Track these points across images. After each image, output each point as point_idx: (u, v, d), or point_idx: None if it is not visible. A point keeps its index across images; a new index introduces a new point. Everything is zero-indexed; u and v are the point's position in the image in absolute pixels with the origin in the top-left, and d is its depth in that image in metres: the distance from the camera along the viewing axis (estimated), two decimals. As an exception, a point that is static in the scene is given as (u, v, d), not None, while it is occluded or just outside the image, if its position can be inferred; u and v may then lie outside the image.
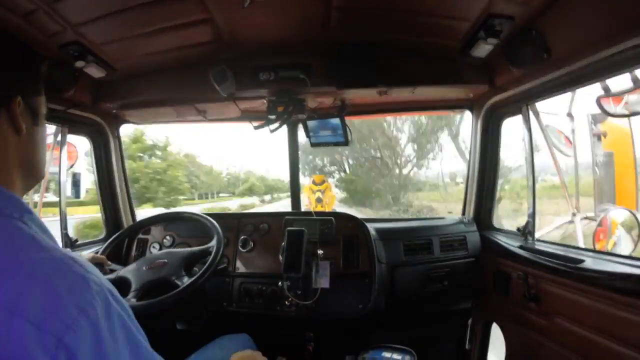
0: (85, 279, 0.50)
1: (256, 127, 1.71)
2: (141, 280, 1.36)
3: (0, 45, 0.60)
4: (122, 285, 1.35)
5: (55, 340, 0.44)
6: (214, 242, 1.48)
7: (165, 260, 1.43)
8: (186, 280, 1.37)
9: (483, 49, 1.32)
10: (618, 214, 2.23)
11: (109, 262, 1.49)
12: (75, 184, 1.93)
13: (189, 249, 1.51)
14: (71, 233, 1.75)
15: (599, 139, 2.50)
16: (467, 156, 2.02)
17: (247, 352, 1.10)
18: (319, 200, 11.33)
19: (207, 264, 1.40)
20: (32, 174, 0.64)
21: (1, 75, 0.58)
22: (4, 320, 0.43)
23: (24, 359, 0.43)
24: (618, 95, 1.25)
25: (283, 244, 1.63)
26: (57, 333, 0.44)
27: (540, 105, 1.61)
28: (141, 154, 14.85)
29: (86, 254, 1.51)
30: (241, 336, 1.35)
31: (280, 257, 1.62)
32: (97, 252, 1.53)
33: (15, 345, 0.43)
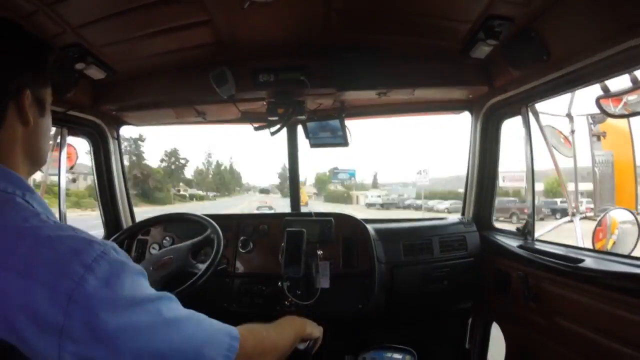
0: (87, 240, 0.52)
1: (256, 129, 1.71)
2: (152, 280, 1.36)
3: (10, 35, 0.60)
4: None
5: (66, 297, 0.46)
6: (209, 231, 1.48)
7: (171, 256, 1.43)
8: (202, 266, 1.37)
9: (482, 50, 1.32)
10: (618, 214, 2.23)
11: None
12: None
13: (189, 241, 1.51)
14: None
15: (598, 139, 2.50)
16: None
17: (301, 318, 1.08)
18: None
19: (215, 247, 1.41)
20: (36, 161, 0.66)
21: (11, 66, 0.59)
22: (17, 283, 0.46)
23: (39, 316, 0.46)
24: (617, 96, 1.25)
25: (283, 244, 1.63)
26: (67, 290, 0.47)
27: (540, 106, 1.62)
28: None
29: None
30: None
31: (280, 258, 1.62)
32: None
33: (29, 305, 0.46)
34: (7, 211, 0.53)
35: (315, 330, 1.07)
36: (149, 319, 0.52)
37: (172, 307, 0.57)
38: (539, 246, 1.54)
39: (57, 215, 1.71)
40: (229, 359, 0.61)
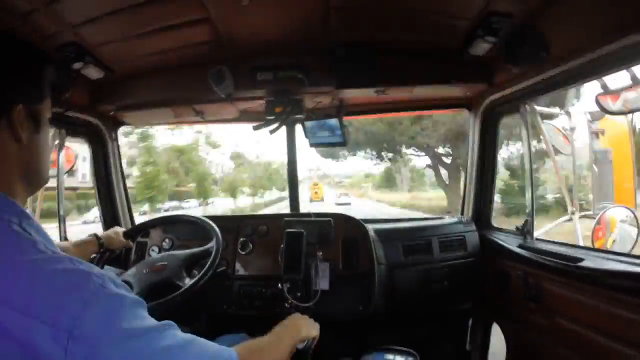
0: (85, 273, 0.51)
1: (255, 128, 1.70)
2: (142, 283, 1.35)
3: (1, 48, 0.58)
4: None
5: (66, 335, 0.46)
6: (213, 243, 1.47)
7: (165, 263, 1.42)
8: (188, 282, 1.36)
9: (481, 47, 1.32)
10: (617, 212, 2.23)
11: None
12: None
13: (188, 251, 1.50)
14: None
15: (597, 136, 2.50)
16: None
17: (297, 316, 1.10)
18: (316, 192, 23.49)
19: (207, 264, 1.39)
20: (34, 181, 0.64)
21: (1, 81, 0.57)
22: (17, 321, 0.46)
23: (40, 355, 0.46)
24: (616, 93, 1.25)
25: (282, 245, 1.62)
26: (67, 327, 0.46)
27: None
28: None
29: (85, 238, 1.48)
30: (239, 336, 1.34)
31: (280, 259, 1.62)
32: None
33: (31, 343, 0.46)
34: (3, 242, 0.52)
35: (312, 330, 1.08)
36: (149, 350, 0.52)
37: (171, 335, 0.56)
38: (538, 245, 1.53)
39: (57, 216, 1.75)
40: None
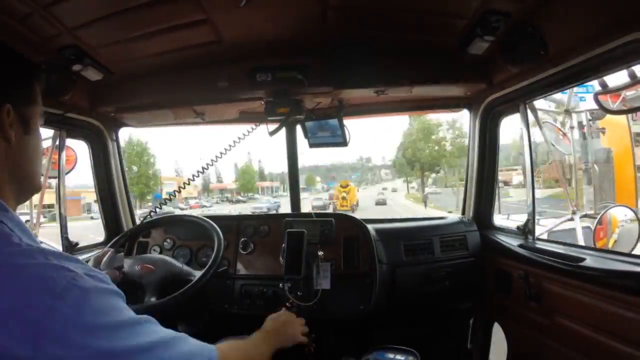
0: (57, 267, 0.50)
1: (271, 133, 1.70)
2: (130, 276, 1.37)
3: None
4: (136, 285, 1.37)
5: (34, 330, 0.45)
6: (198, 273, 1.42)
7: (153, 268, 1.42)
8: (153, 300, 1.33)
9: (480, 46, 1.32)
10: (618, 212, 2.22)
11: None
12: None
13: (179, 267, 1.48)
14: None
15: (598, 135, 2.50)
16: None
17: (283, 314, 1.09)
18: (343, 198, 17.76)
19: (209, 263, 1.40)
20: (25, 186, 0.63)
21: None
22: None
23: (12, 352, 0.44)
24: (616, 92, 1.25)
25: (283, 245, 1.62)
26: (38, 323, 0.45)
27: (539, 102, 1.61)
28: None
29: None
30: (243, 337, 1.35)
31: (281, 259, 1.62)
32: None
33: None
34: None
35: (297, 330, 1.06)
36: (124, 344, 0.51)
37: (150, 330, 0.55)
38: (539, 245, 1.53)
39: (57, 215, 1.75)
40: None
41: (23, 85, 0.63)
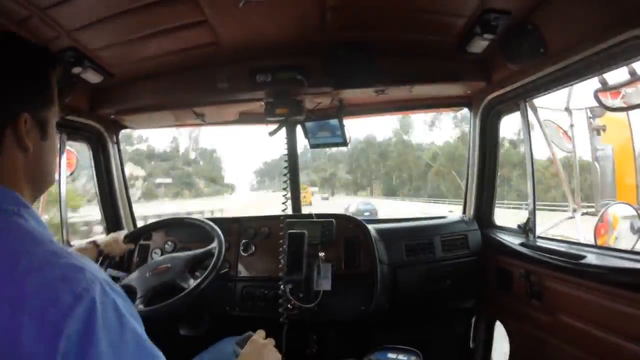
0: (79, 267, 0.50)
1: (271, 134, 1.70)
2: (146, 286, 1.36)
3: (2, 52, 0.55)
4: (127, 293, 1.35)
5: (55, 330, 0.44)
6: (215, 244, 1.48)
7: (169, 265, 1.43)
8: (192, 283, 1.37)
9: (479, 45, 1.32)
10: (619, 209, 2.22)
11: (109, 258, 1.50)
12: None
13: (190, 252, 1.51)
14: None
15: (598, 133, 2.49)
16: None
17: (258, 344, 0.99)
18: (304, 197, 18.25)
19: (210, 265, 1.40)
20: (41, 186, 0.63)
21: (4, 90, 0.54)
22: (7, 314, 0.44)
23: (27, 350, 0.43)
24: (616, 89, 1.25)
25: (284, 247, 1.62)
26: (56, 323, 0.45)
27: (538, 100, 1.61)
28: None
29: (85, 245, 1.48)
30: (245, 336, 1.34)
31: (282, 260, 1.62)
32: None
33: (18, 338, 0.43)
34: (2, 232, 0.51)
35: None
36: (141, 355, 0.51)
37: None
38: (540, 243, 1.53)
39: (58, 218, 1.75)
40: None
41: (41, 87, 0.59)
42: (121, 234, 1.57)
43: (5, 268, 0.47)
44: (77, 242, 1.68)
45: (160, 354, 0.55)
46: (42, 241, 0.51)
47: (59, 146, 1.74)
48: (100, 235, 1.79)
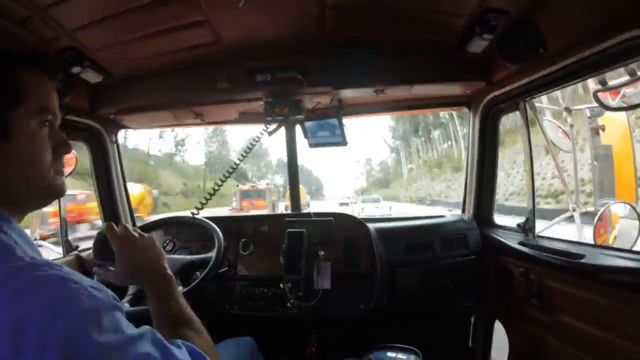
0: (62, 279, 0.49)
1: (270, 133, 1.70)
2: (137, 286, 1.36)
3: None
4: (118, 288, 1.34)
5: (39, 344, 0.43)
6: (212, 253, 1.45)
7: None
8: (180, 290, 1.34)
9: (479, 45, 1.32)
10: (618, 208, 2.22)
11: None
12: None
13: (187, 257, 1.49)
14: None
15: (597, 132, 2.49)
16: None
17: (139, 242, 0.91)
18: None
19: (210, 264, 1.39)
20: (19, 193, 0.58)
21: None
22: None
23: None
24: (615, 89, 1.25)
25: (284, 245, 1.62)
26: (38, 336, 0.44)
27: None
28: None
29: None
30: (245, 340, 1.35)
31: (281, 259, 1.62)
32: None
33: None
34: None
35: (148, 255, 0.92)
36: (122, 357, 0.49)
37: (146, 344, 0.53)
38: (540, 242, 1.53)
39: (58, 219, 1.75)
40: None
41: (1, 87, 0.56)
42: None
43: None
44: (59, 256, 1.65)
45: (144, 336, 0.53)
46: (22, 257, 0.50)
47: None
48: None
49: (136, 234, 0.86)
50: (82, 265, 1.42)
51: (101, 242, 0.79)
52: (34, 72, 0.60)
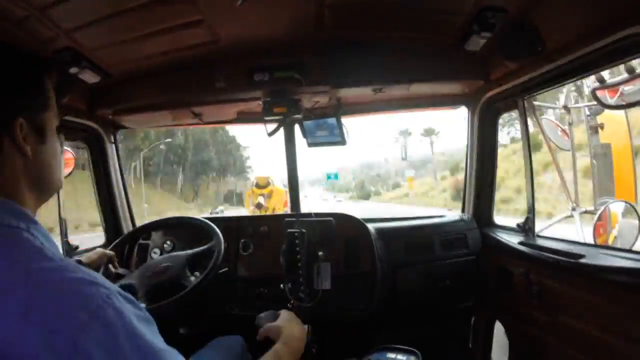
0: (92, 283, 0.50)
1: (270, 134, 1.70)
2: (146, 286, 1.36)
3: None
4: (128, 292, 1.35)
5: (69, 345, 0.44)
6: (214, 242, 1.48)
7: (168, 264, 1.43)
8: (193, 280, 1.37)
9: (477, 43, 1.31)
10: (618, 207, 2.22)
11: (116, 260, 1.51)
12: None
13: (191, 250, 1.50)
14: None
15: (596, 131, 2.49)
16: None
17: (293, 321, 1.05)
18: (258, 206, 11.51)
19: (210, 264, 1.40)
20: (44, 191, 0.62)
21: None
22: (18, 330, 0.44)
23: None
24: (613, 87, 1.25)
25: (284, 246, 1.62)
26: (71, 337, 0.44)
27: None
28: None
29: (93, 252, 1.49)
30: (234, 338, 1.34)
31: (281, 260, 1.62)
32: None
33: (29, 354, 0.43)
34: (11, 248, 0.50)
35: (302, 336, 1.04)
36: None
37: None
38: (540, 242, 1.52)
39: (57, 220, 1.75)
40: None
41: (35, 93, 0.60)
42: (101, 250, 1.53)
43: (15, 285, 0.46)
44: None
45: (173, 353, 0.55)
46: (51, 258, 0.51)
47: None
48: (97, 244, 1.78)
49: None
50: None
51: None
52: (53, 78, 0.63)
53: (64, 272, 0.49)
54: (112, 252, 1.50)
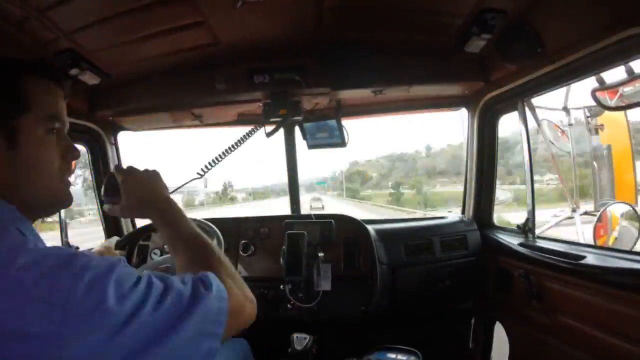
0: (72, 253, 0.50)
1: (268, 134, 1.70)
2: None
3: None
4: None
5: (60, 309, 0.45)
6: (214, 243, 1.47)
7: (169, 265, 1.43)
8: None
9: (477, 45, 1.31)
10: (618, 209, 2.22)
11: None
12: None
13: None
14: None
15: (596, 132, 2.49)
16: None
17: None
18: None
19: None
20: (26, 199, 0.59)
21: None
22: (6, 306, 0.44)
23: (32, 336, 0.44)
24: (613, 88, 1.25)
25: (284, 247, 1.62)
26: (60, 302, 0.45)
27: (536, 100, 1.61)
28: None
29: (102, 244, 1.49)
30: (239, 341, 1.34)
31: (282, 261, 1.62)
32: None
33: (23, 323, 0.44)
34: None
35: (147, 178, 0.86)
36: (133, 307, 0.49)
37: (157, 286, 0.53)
38: (540, 243, 1.52)
39: (58, 220, 1.75)
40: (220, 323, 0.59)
41: (5, 97, 0.57)
42: (112, 241, 1.54)
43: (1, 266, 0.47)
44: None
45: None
46: (34, 247, 0.51)
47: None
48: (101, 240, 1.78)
49: (141, 169, 0.85)
50: None
51: (110, 181, 0.83)
52: (41, 80, 0.61)
53: (45, 250, 0.51)
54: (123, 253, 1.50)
